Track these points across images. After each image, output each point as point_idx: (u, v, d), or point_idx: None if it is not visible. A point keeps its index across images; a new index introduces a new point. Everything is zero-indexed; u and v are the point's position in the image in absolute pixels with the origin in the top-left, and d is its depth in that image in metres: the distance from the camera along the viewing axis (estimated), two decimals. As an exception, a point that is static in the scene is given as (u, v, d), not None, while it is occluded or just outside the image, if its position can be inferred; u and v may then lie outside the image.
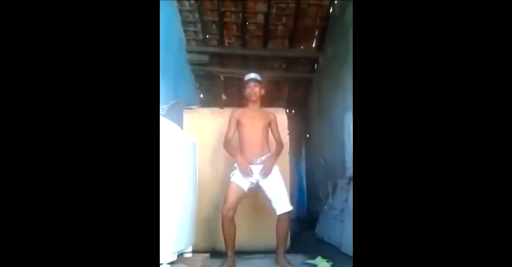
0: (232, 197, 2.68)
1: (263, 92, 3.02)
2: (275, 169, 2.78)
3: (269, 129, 2.94)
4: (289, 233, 3.23)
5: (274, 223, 2.78)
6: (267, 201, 2.75)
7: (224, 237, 2.73)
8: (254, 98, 2.95)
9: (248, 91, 2.97)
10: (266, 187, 2.74)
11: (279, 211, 2.69)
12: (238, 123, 2.92)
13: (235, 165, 2.81)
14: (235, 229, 2.71)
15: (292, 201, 2.89)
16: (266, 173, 2.74)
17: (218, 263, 2.68)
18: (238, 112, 2.98)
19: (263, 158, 2.79)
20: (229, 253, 2.71)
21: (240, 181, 2.73)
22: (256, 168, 2.77)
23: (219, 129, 3.29)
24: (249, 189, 2.76)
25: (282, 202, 2.70)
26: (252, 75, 3.01)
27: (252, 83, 2.97)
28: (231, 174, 2.80)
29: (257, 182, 2.75)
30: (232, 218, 2.70)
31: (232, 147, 2.90)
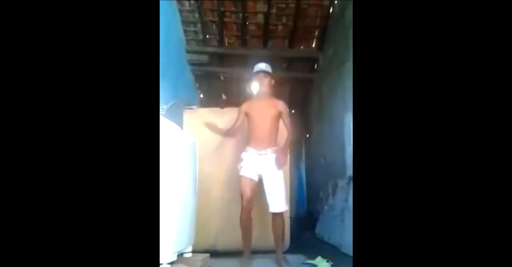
0: (247, 190, 2.74)
1: (273, 82, 3.02)
2: (278, 168, 2.80)
3: (280, 120, 2.92)
4: (289, 233, 3.24)
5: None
6: (265, 198, 2.80)
7: (242, 232, 2.78)
8: (263, 89, 2.96)
9: (257, 82, 2.97)
10: (267, 184, 2.78)
11: (274, 210, 2.74)
12: (247, 115, 2.93)
13: (242, 156, 2.86)
14: (252, 223, 2.78)
15: (291, 201, 2.91)
16: (281, 163, 2.77)
17: (218, 263, 2.68)
18: (246, 104, 3.00)
19: (269, 150, 2.81)
20: (246, 251, 2.78)
21: (249, 173, 2.78)
22: (262, 159, 2.80)
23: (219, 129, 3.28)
24: (258, 179, 2.80)
25: (278, 201, 2.74)
26: (262, 66, 3.00)
27: (262, 74, 2.96)
28: (238, 168, 2.85)
29: (261, 175, 2.80)
30: (251, 211, 2.76)
31: (230, 134, 2.99)
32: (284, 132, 2.93)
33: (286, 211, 2.81)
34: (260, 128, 2.87)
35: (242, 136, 3.08)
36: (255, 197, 2.82)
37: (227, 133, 3.00)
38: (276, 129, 2.90)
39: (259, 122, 2.88)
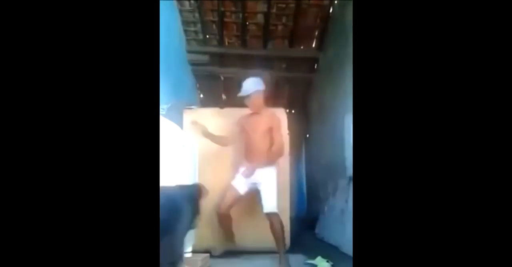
0: (228, 198, 2.88)
1: (266, 94, 2.98)
2: (272, 171, 2.87)
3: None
4: (289, 233, 3.25)
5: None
6: (258, 197, 2.89)
7: (223, 230, 2.97)
8: (255, 109, 2.93)
9: (248, 103, 2.91)
10: (261, 185, 2.86)
11: (264, 210, 2.83)
12: (242, 129, 2.99)
13: (239, 170, 2.95)
14: (231, 220, 2.95)
15: (292, 201, 3.00)
16: (247, 174, 2.82)
17: (218, 263, 2.69)
18: (243, 118, 3.03)
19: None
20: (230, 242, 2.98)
21: (238, 185, 2.89)
22: (258, 173, 2.85)
23: (219, 129, 3.29)
24: (246, 192, 2.90)
25: (269, 203, 2.81)
26: (250, 87, 2.85)
27: (253, 96, 2.88)
28: (233, 176, 2.97)
29: (257, 184, 2.89)
30: (227, 213, 2.91)
31: (223, 143, 3.04)
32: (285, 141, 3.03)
33: (277, 212, 2.83)
34: (253, 142, 2.93)
35: (239, 147, 3.15)
36: (253, 198, 2.91)
37: (220, 142, 3.02)
38: (268, 143, 2.91)
39: (252, 137, 2.94)
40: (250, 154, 2.94)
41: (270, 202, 2.80)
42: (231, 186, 2.91)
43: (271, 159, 2.86)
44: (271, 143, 2.89)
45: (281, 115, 3.49)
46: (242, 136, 3.01)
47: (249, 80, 2.92)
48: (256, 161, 2.85)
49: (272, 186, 2.83)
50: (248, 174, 2.81)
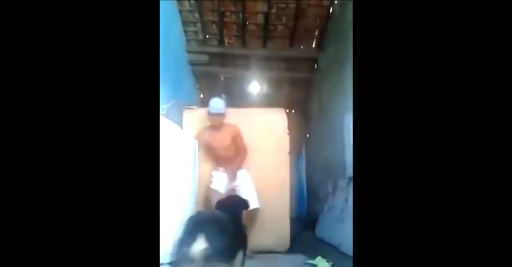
0: (212, 201, 2.96)
1: (226, 117, 3.16)
2: (245, 173, 3.18)
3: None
4: (290, 233, 3.27)
5: (272, 225, 3.12)
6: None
7: None
8: (218, 124, 3.14)
9: (210, 120, 3.15)
10: (239, 187, 3.12)
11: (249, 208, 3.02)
12: (207, 142, 3.21)
13: (212, 174, 3.18)
14: None
15: (292, 201, 3.14)
16: (230, 177, 3.14)
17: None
18: (203, 134, 3.20)
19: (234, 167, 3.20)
20: None
21: (218, 187, 3.09)
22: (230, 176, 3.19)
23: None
24: (226, 191, 3.09)
25: (251, 201, 2.97)
26: (213, 108, 3.10)
27: (214, 116, 3.11)
28: (211, 180, 3.16)
29: (236, 186, 3.13)
30: None
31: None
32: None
33: (259, 207, 3.08)
34: (221, 153, 3.20)
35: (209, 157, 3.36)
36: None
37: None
38: (234, 150, 3.21)
39: (219, 149, 3.19)
40: (221, 163, 3.24)
41: (252, 200, 2.98)
42: (211, 189, 3.07)
43: (241, 163, 3.19)
44: (238, 150, 3.20)
45: (279, 115, 3.56)
46: (207, 148, 3.24)
47: (217, 99, 3.19)
48: (229, 167, 3.17)
49: (250, 186, 3.11)
50: (231, 176, 3.12)
